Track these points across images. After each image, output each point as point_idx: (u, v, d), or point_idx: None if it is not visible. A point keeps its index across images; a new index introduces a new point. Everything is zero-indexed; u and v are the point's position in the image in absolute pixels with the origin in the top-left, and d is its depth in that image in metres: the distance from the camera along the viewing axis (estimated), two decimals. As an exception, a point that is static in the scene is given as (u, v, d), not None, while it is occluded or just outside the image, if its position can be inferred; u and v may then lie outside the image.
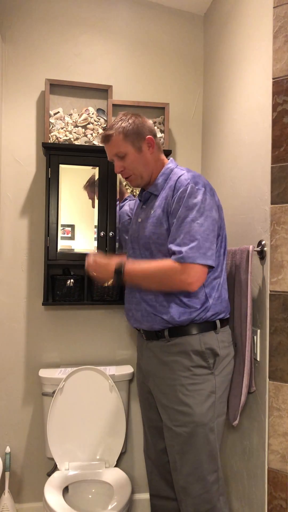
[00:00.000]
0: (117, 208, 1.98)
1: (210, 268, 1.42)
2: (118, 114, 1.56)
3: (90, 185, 2.00)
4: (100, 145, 2.04)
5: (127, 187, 2.08)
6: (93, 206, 2.00)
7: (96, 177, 1.99)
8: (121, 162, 1.52)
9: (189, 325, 1.45)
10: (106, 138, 1.52)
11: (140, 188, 1.66)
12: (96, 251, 1.99)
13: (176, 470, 1.46)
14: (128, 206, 1.95)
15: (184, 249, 1.36)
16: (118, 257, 1.51)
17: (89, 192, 2.01)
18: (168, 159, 1.59)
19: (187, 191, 1.40)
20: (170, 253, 1.41)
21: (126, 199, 2.00)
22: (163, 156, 1.59)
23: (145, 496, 2.05)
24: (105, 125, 2.10)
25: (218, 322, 1.48)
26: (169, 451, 1.49)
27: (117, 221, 1.97)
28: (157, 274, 1.41)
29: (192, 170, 1.50)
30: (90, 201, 2.02)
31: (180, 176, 1.46)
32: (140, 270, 1.45)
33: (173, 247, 1.39)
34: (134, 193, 2.09)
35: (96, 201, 2.00)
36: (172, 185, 1.47)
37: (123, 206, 1.98)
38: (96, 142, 2.08)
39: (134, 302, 1.54)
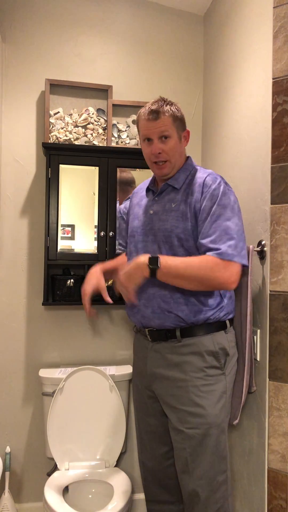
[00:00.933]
0: (117, 207, 1.98)
1: (245, 267, 1.41)
2: (157, 98, 1.47)
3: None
4: (100, 145, 2.06)
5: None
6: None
7: (97, 178, 2.00)
8: (162, 144, 1.44)
9: (202, 324, 1.42)
10: (157, 113, 1.42)
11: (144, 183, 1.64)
12: (96, 251, 1.99)
13: (187, 473, 1.42)
14: (123, 205, 1.94)
15: (222, 246, 1.33)
16: (140, 256, 1.40)
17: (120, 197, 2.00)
18: (188, 157, 1.56)
19: (221, 190, 1.39)
20: (202, 250, 1.37)
21: (128, 199, 1.99)
22: (185, 152, 1.56)
23: (145, 496, 2.05)
24: (105, 125, 2.10)
25: (228, 322, 1.48)
26: (179, 454, 1.45)
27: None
28: (198, 269, 1.33)
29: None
30: (90, 201, 2.02)
31: (209, 175, 1.45)
32: (178, 264, 1.35)
33: (209, 244, 1.35)
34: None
35: (96, 201, 2.00)
36: (199, 182, 1.44)
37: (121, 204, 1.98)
38: (96, 142, 2.08)
39: (143, 298, 1.47)
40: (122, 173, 2.05)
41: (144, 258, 1.37)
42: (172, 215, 1.45)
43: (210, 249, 1.34)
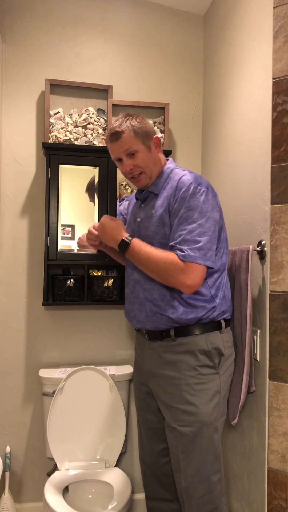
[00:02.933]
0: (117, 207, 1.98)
1: (210, 268, 1.42)
2: (119, 115, 1.54)
3: (89, 189, 2.00)
4: (100, 145, 2.06)
5: (127, 187, 2.08)
6: (95, 205, 2.00)
7: (96, 179, 1.99)
8: (131, 160, 1.49)
9: (195, 324, 1.44)
10: (116, 135, 1.47)
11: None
12: (95, 251, 1.98)
13: (180, 471, 1.45)
14: (123, 206, 1.95)
15: (185, 248, 1.36)
16: (122, 228, 1.52)
17: (89, 195, 2.01)
18: (167, 159, 1.59)
19: (190, 191, 1.40)
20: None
21: (123, 199, 2.00)
22: (163, 156, 1.59)
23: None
24: (105, 125, 2.10)
25: (223, 322, 1.49)
26: (172, 451, 1.48)
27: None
28: (160, 262, 1.39)
29: (193, 172, 1.50)
30: (90, 201, 2.02)
31: (182, 177, 1.46)
32: (146, 251, 1.42)
33: (175, 246, 1.39)
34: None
35: (96, 201, 2.00)
36: (174, 185, 1.46)
37: (120, 205, 1.98)
38: (96, 142, 2.08)
39: (137, 303, 1.52)
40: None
41: (123, 233, 1.48)
42: (152, 221, 1.49)
43: (173, 248, 1.39)
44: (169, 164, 1.56)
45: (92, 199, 2.01)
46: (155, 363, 1.51)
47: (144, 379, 1.59)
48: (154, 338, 1.51)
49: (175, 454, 1.46)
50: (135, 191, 2.08)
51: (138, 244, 1.44)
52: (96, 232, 1.60)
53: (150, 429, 1.62)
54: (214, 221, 1.41)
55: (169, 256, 1.38)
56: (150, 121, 1.60)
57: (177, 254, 1.36)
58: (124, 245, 1.45)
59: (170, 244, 1.41)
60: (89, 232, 1.63)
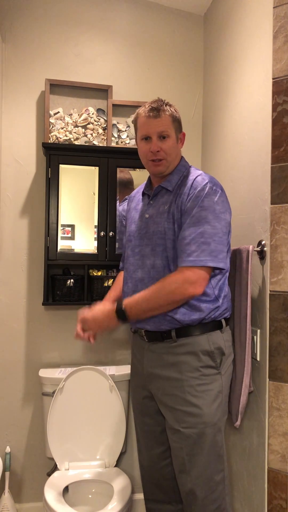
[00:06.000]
0: (117, 207, 1.98)
1: (220, 270, 1.42)
2: (156, 98, 1.49)
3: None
4: (100, 145, 2.06)
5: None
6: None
7: (96, 180, 1.99)
8: (160, 143, 1.45)
9: (197, 324, 1.42)
10: (157, 111, 1.44)
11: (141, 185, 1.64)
12: (96, 251, 1.99)
13: (184, 473, 1.43)
14: (122, 207, 1.95)
15: (194, 250, 1.34)
16: (106, 303, 1.52)
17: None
18: (182, 157, 1.57)
19: (205, 191, 1.39)
20: (179, 251, 1.39)
21: (125, 199, 1.99)
22: (180, 154, 1.56)
23: (145, 496, 2.05)
24: (105, 125, 2.10)
25: (223, 321, 1.48)
26: (175, 454, 1.46)
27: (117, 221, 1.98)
28: (160, 289, 1.37)
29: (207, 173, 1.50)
30: (90, 201, 2.02)
31: (198, 176, 1.45)
32: (143, 300, 1.40)
33: (184, 247, 1.37)
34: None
35: (96, 201, 2.00)
36: (188, 183, 1.44)
37: (120, 205, 1.98)
38: (96, 142, 2.08)
39: None
40: (121, 174, 2.05)
41: (110, 309, 1.44)
42: (164, 217, 1.46)
43: (183, 252, 1.37)
44: (184, 163, 1.54)
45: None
46: (156, 365, 1.49)
47: (143, 382, 1.55)
48: (154, 339, 1.48)
49: (179, 456, 1.44)
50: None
51: (131, 305, 1.41)
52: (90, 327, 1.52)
53: (149, 433, 1.60)
54: (226, 223, 1.41)
55: (165, 279, 1.38)
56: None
57: (191, 263, 1.35)
58: (123, 317, 1.42)
59: (179, 242, 1.39)
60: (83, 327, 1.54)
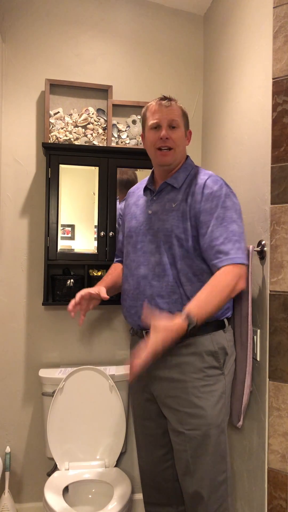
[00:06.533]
0: (117, 207, 1.98)
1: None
2: (163, 96, 1.50)
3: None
4: (100, 145, 2.06)
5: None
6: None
7: (96, 180, 1.99)
8: (170, 132, 1.46)
9: (201, 324, 1.37)
10: (170, 100, 1.47)
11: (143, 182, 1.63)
12: (96, 251, 1.98)
13: (189, 475, 1.41)
14: (120, 205, 1.94)
15: (231, 248, 1.34)
16: (171, 323, 1.26)
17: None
18: (187, 156, 1.57)
19: (223, 192, 1.40)
20: (211, 253, 1.36)
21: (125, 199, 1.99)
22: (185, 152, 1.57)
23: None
24: (105, 125, 2.10)
25: (226, 321, 1.47)
26: (179, 456, 1.44)
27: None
28: (225, 293, 1.32)
29: None
30: (90, 201, 2.02)
31: (210, 176, 1.45)
32: (199, 301, 1.31)
33: (219, 247, 1.35)
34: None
35: (96, 201, 2.00)
36: (201, 183, 1.43)
37: (120, 204, 1.97)
38: (96, 142, 2.08)
39: (141, 299, 1.46)
40: (123, 174, 2.05)
41: (181, 325, 1.25)
42: (172, 215, 1.44)
43: (220, 252, 1.35)
44: (190, 161, 1.54)
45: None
46: (158, 367, 1.44)
47: (145, 385, 1.52)
48: None
49: (183, 459, 1.42)
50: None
51: (197, 314, 1.28)
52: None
53: (149, 436, 1.58)
54: (243, 223, 1.43)
55: (226, 277, 1.32)
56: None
57: (234, 263, 1.33)
58: (192, 329, 1.27)
59: (211, 243, 1.37)
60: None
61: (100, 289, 1.54)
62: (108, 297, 1.53)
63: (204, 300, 1.32)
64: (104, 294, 1.52)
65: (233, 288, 1.34)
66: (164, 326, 1.25)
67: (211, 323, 1.43)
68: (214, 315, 1.36)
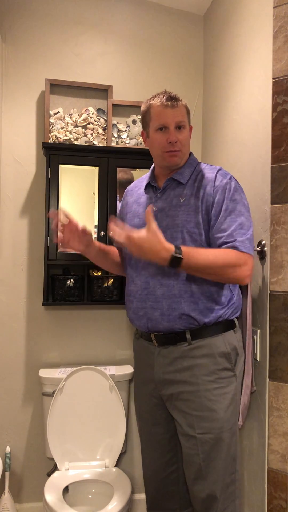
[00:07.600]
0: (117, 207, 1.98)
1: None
2: (163, 91, 1.47)
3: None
4: (100, 145, 2.06)
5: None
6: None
7: (97, 180, 1.99)
8: (177, 133, 1.42)
9: (213, 324, 1.38)
10: (175, 101, 1.42)
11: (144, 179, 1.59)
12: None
13: (201, 479, 1.38)
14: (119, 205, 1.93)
15: (240, 239, 1.33)
16: (162, 243, 1.26)
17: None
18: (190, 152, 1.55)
19: (232, 185, 1.40)
20: (217, 244, 1.35)
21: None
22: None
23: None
24: (105, 125, 2.10)
25: (236, 321, 1.45)
26: (190, 460, 1.40)
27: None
28: (220, 262, 1.30)
29: None
30: (90, 201, 2.02)
31: (219, 170, 1.44)
32: (203, 258, 1.29)
33: (226, 238, 1.33)
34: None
35: (96, 201, 2.00)
36: (211, 177, 1.42)
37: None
38: (96, 142, 2.08)
39: (150, 300, 1.40)
40: (121, 174, 2.05)
41: (168, 250, 1.25)
42: (181, 210, 1.41)
43: (227, 243, 1.33)
44: (193, 157, 1.53)
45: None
46: (169, 371, 1.41)
47: (154, 389, 1.48)
48: (165, 343, 1.41)
49: (195, 463, 1.38)
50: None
51: (190, 255, 1.27)
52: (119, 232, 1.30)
53: (157, 442, 1.54)
54: (251, 217, 1.42)
55: (228, 253, 1.31)
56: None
57: (237, 247, 1.31)
58: (177, 258, 1.26)
59: (218, 234, 1.35)
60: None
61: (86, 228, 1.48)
62: (90, 232, 1.48)
63: (202, 253, 1.31)
64: (87, 229, 1.47)
65: (232, 267, 1.30)
66: (152, 238, 1.25)
67: (222, 323, 1.40)
68: (195, 274, 1.33)
